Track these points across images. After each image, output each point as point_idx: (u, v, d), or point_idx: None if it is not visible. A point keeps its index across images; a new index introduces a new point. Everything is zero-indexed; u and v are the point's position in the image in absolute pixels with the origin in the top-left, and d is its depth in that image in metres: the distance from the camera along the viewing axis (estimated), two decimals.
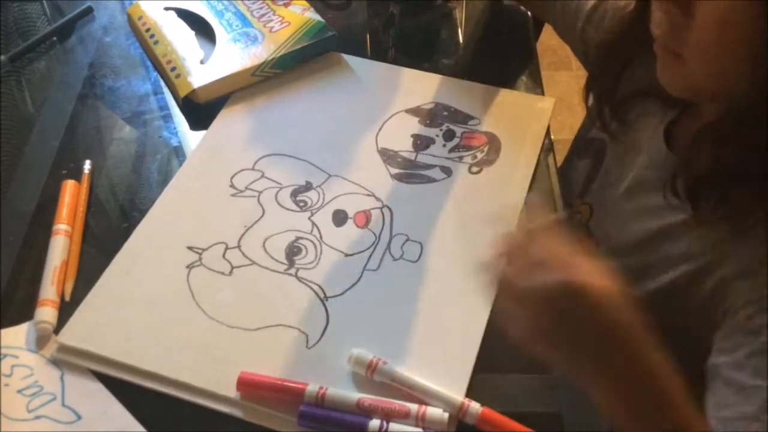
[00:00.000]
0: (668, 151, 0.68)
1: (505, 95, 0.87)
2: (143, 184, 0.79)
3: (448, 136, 0.82)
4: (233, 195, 0.76)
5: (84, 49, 0.94)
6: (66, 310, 0.68)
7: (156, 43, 0.90)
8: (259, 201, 0.76)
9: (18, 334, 0.66)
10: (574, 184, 0.83)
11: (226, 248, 0.72)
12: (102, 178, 0.79)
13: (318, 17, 0.92)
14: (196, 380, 0.63)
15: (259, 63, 0.86)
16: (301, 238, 0.73)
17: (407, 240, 0.73)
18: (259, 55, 0.87)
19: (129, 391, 0.63)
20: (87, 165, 0.79)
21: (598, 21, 0.80)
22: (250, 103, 0.86)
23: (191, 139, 0.84)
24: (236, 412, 0.62)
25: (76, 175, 0.78)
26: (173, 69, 0.87)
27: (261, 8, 0.94)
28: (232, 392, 0.62)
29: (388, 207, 0.76)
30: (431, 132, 0.83)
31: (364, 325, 0.67)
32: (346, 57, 0.91)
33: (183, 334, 0.66)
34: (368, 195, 0.77)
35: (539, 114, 0.84)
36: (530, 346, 0.54)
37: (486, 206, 0.76)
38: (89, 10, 0.97)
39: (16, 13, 0.97)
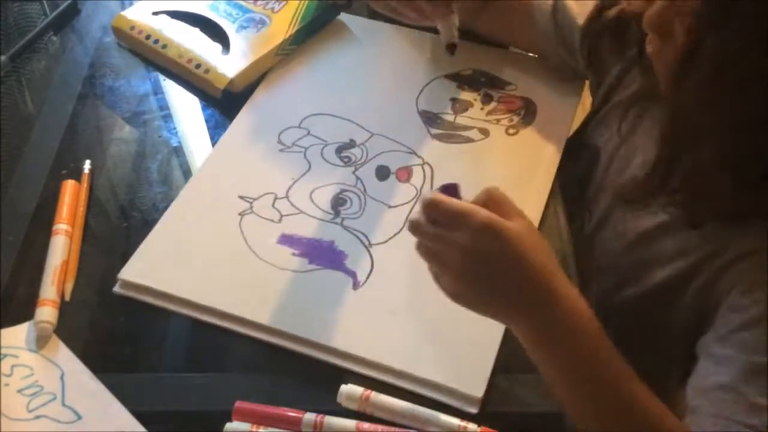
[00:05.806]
0: (661, 153, 0.69)
1: (541, 61, 0.89)
2: (143, 184, 0.79)
3: (486, 100, 0.85)
4: (281, 150, 0.80)
5: (84, 49, 0.94)
6: (66, 309, 0.68)
7: (165, 47, 0.89)
8: (305, 156, 0.80)
9: (18, 334, 0.66)
10: (566, 187, 0.83)
11: (276, 198, 0.76)
12: (102, 178, 0.79)
13: None
14: (252, 315, 0.67)
15: (279, 42, 0.88)
16: (346, 190, 0.77)
17: None
18: (275, 35, 0.89)
19: (129, 391, 0.63)
20: (87, 165, 0.79)
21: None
22: (285, 74, 0.89)
23: (191, 139, 0.84)
24: (289, 345, 0.65)
25: (76, 175, 0.78)
26: (198, 66, 0.87)
27: None
28: (285, 326, 0.66)
29: (428, 164, 0.79)
30: (470, 96, 0.86)
31: (407, 271, 0.70)
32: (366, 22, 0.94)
33: (238, 274, 0.70)
34: (410, 153, 0.81)
35: (573, 76, 0.87)
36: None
37: (522, 165, 0.80)
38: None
39: (16, 13, 0.97)
